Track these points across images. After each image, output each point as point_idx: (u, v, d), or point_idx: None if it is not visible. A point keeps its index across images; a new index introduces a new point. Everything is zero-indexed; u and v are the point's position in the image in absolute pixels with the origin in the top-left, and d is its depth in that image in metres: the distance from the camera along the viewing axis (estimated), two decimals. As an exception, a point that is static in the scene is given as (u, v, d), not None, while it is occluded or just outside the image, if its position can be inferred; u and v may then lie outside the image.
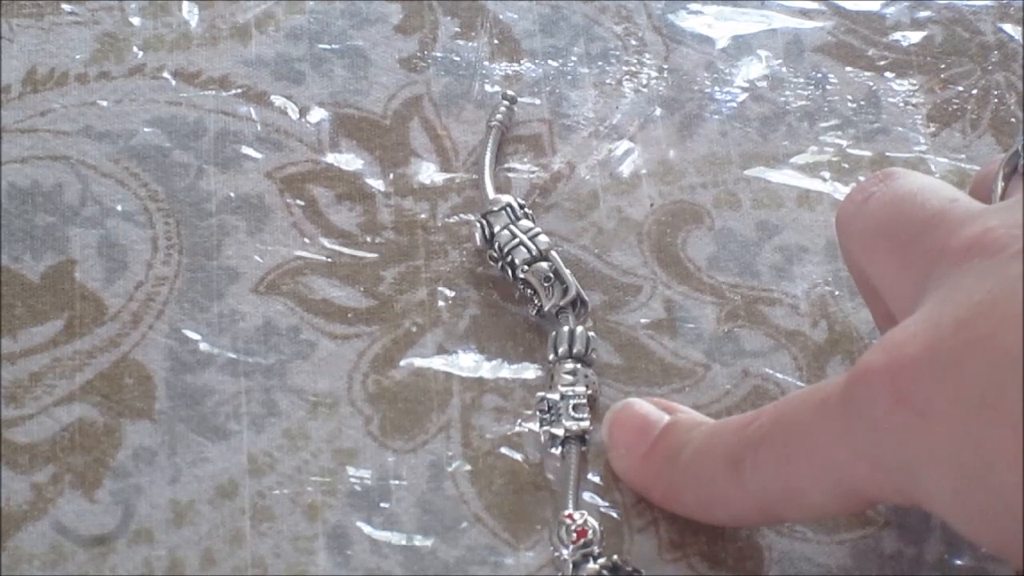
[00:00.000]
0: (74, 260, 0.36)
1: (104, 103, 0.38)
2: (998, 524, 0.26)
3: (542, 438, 0.33)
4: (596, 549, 0.31)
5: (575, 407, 0.33)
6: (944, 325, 0.26)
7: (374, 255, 0.36)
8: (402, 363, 0.35)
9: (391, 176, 0.38)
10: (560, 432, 0.33)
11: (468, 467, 0.33)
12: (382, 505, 0.33)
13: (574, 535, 0.31)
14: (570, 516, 0.31)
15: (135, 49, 0.39)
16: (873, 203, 0.31)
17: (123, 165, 0.37)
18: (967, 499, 0.26)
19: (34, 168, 0.37)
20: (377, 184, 0.38)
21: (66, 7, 0.40)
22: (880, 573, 0.32)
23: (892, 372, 0.27)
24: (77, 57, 0.39)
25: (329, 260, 0.36)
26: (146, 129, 0.38)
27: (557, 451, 0.33)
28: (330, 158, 0.38)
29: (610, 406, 0.34)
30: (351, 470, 0.33)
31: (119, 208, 0.37)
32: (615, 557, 0.31)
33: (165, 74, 0.39)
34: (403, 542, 0.32)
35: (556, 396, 0.33)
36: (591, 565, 0.31)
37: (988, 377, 0.25)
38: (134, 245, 0.36)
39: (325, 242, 0.37)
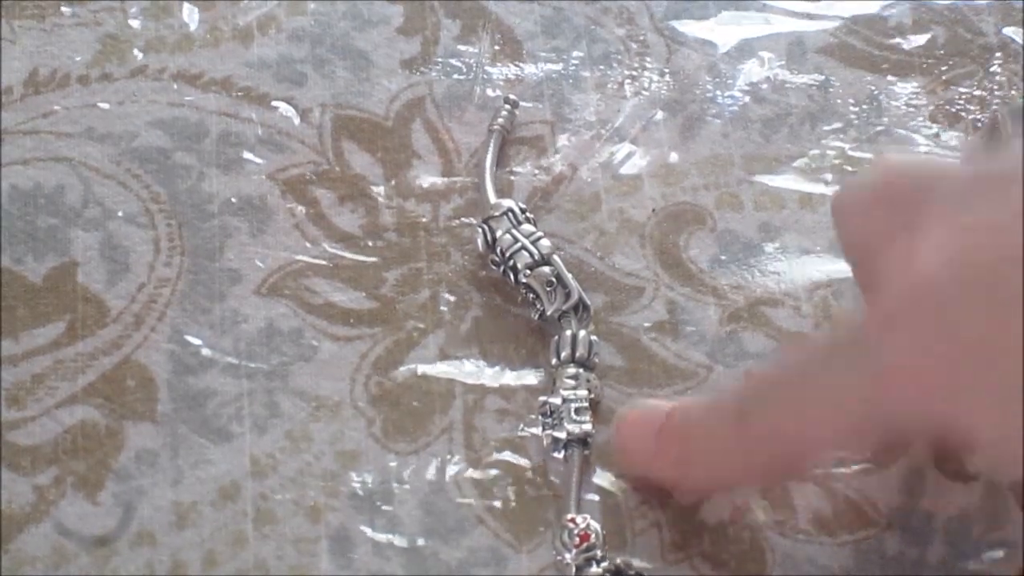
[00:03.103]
0: (76, 262, 0.36)
1: (106, 105, 0.38)
2: None
3: (544, 442, 0.33)
4: (599, 553, 0.31)
5: (577, 411, 0.33)
6: (968, 246, 0.26)
7: (376, 257, 0.36)
8: (404, 365, 0.35)
9: (393, 178, 0.38)
10: (562, 436, 0.33)
11: (470, 469, 0.33)
12: (384, 507, 0.33)
13: (577, 539, 0.31)
14: (572, 520, 0.31)
15: (136, 51, 0.39)
16: (869, 174, 0.31)
17: (125, 167, 0.37)
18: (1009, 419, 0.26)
19: (36, 170, 0.37)
20: (379, 186, 0.38)
21: (67, 9, 0.40)
22: (882, 574, 0.32)
23: (920, 297, 0.26)
24: (79, 59, 0.39)
25: (331, 262, 0.36)
26: (148, 131, 0.38)
27: (560, 455, 0.33)
28: (332, 160, 0.38)
29: (613, 408, 0.34)
30: (353, 472, 0.33)
31: (121, 210, 0.37)
32: (619, 560, 0.31)
33: (166, 76, 0.39)
34: (405, 544, 0.32)
35: (558, 400, 0.33)
36: (594, 569, 0.31)
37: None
38: (136, 247, 0.36)
39: (327, 244, 0.37)
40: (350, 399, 0.34)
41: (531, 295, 0.35)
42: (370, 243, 0.37)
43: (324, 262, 0.36)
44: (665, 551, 0.32)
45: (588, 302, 0.35)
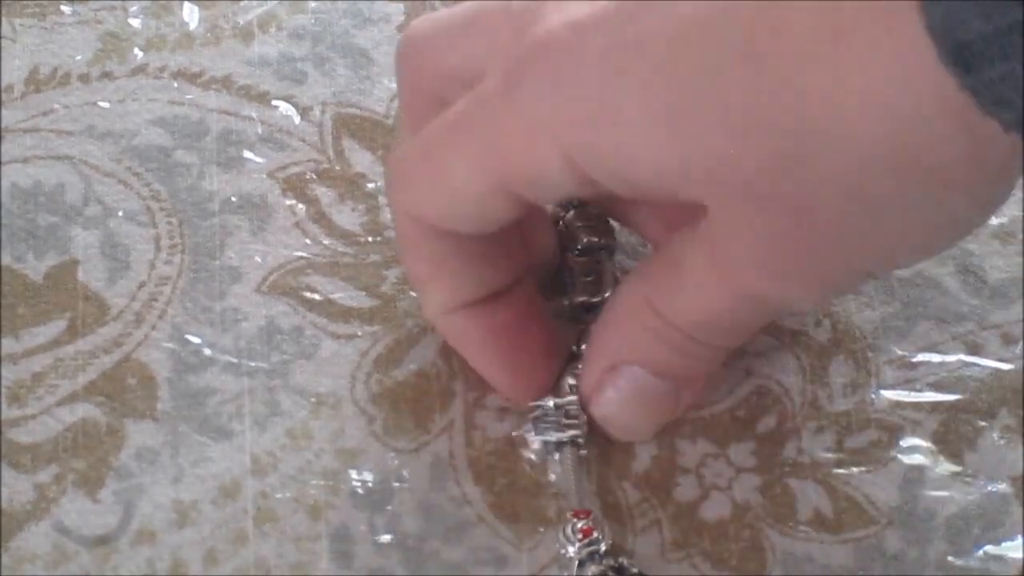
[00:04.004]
0: (77, 260, 0.36)
1: (106, 103, 0.38)
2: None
3: (535, 445, 0.33)
4: (602, 547, 0.31)
5: (568, 414, 0.33)
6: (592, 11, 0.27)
7: (377, 255, 0.36)
8: (405, 363, 0.35)
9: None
10: (553, 439, 0.33)
11: (471, 467, 0.33)
12: (385, 505, 0.33)
13: (580, 534, 0.31)
14: (576, 514, 0.31)
15: (137, 49, 0.39)
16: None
17: (125, 165, 0.37)
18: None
19: (36, 168, 0.37)
20: (379, 184, 0.38)
21: (67, 8, 0.40)
22: (883, 573, 0.32)
23: (589, 25, 0.27)
24: (79, 57, 0.39)
25: (332, 260, 0.36)
26: (148, 129, 0.38)
27: (556, 456, 0.33)
28: (332, 158, 0.38)
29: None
30: (354, 470, 0.33)
31: (121, 208, 0.37)
32: (622, 559, 0.31)
33: (167, 74, 0.39)
34: (405, 542, 0.32)
35: (550, 404, 0.33)
36: (595, 567, 0.31)
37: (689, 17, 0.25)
38: (136, 245, 0.36)
39: (327, 242, 0.37)
40: (351, 397, 0.34)
41: (567, 277, 0.35)
42: (370, 241, 0.37)
43: (324, 260, 0.36)
44: (666, 550, 0.32)
45: None
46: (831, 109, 0.24)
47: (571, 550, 0.31)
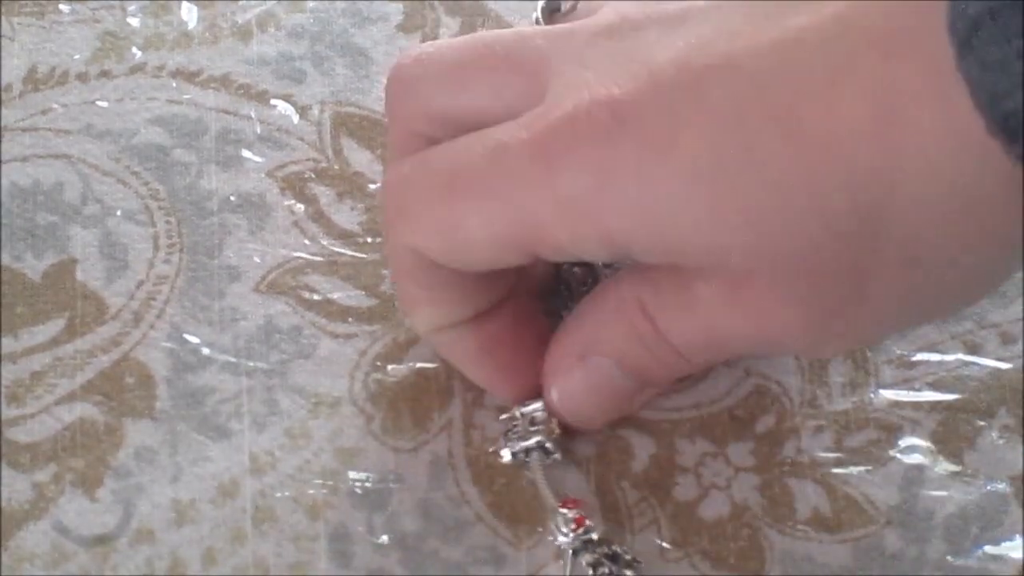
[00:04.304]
0: (75, 259, 0.36)
1: (105, 102, 0.38)
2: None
3: (504, 457, 0.33)
4: (595, 536, 0.31)
5: (533, 420, 0.33)
6: (657, 66, 0.26)
7: (375, 255, 0.36)
8: (403, 362, 0.35)
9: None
10: (519, 447, 0.33)
11: (470, 467, 0.33)
12: (384, 505, 0.33)
13: (572, 523, 0.31)
14: (565, 503, 0.31)
15: (135, 48, 0.39)
16: (428, 54, 0.31)
17: (124, 164, 0.37)
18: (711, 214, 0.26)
19: (35, 167, 0.37)
20: (378, 184, 0.38)
21: (66, 7, 0.40)
22: (882, 573, 0.32)
23: (627, 108, 0.26)
24: (77, 56, 0.39)
25: (330, 260, 0.36)
26: (147, 128, 0.38)
27: (523, 461, 0.33)
28: (331, 157, 0.38)
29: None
30: (352, 470, 0.33)
31: (120, 207, 0.37)
32: (615, 547, 0.31)
33: (165, 73, 0.39)
34: (404, 542, 0.32)
35: (517, 412, 0.33)
36: (589, 555, 0.31)
37: (742, 91, 0.26)
38: (135, 244, 0.36)
39: (326, 242, 0.37)
40: (349, 396, 0.34)
41: (562, 287, 0.35)
42: (369, 240, 0.37)
43: (323, 259, 0.36)
44: (664, 549, 0.32)
45: None
46: (887, 187, 0.25)
47: (562, 540, 0.31)
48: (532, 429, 0.33)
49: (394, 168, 0.32)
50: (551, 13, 0.33)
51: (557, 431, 0.33)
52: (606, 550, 0.31)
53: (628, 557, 0.31)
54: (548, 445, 0.33)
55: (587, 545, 0.31)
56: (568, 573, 0.31)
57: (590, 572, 0.31)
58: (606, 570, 0.31)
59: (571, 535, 0.31)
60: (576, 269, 0.35)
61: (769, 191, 0.25)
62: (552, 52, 0.29)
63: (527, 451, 0.33)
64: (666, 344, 0.30)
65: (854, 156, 0.25)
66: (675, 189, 0.26)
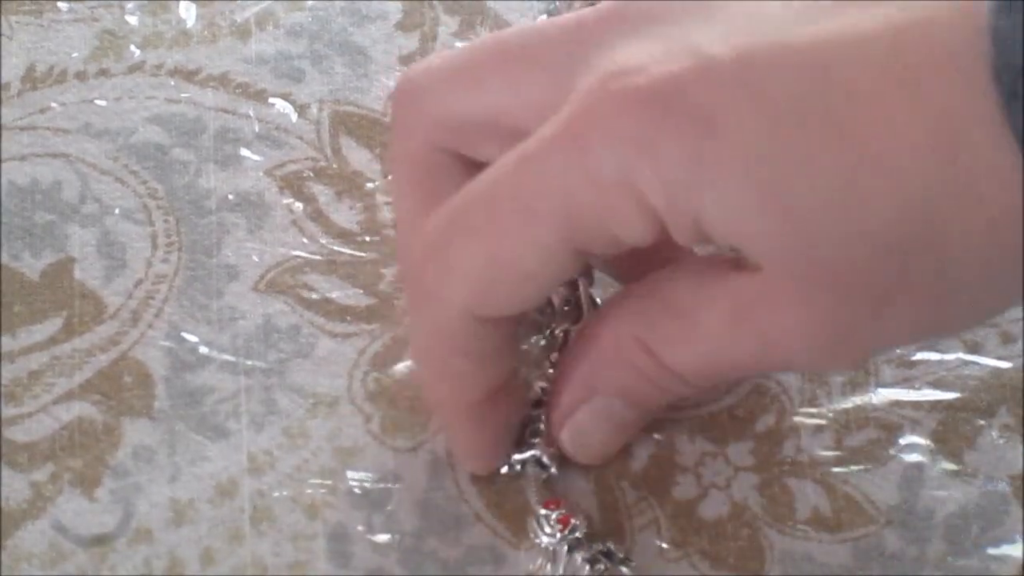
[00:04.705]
0: (73, 258, 0.36)
1: (103, 101, 0.38)
2: (779, 240, 0.26)
3: (504, 469, 0.33)
4: (580, 534, 0.31)
5: (533, 433, 0.33)
6: (701, 49, 0.26)
7: (374, 254, 0.36)
8: (402, 362, 0.35)
9: (391, 175, 0.38)
10: (512, 458, 0.33)
11: (469, 466, 0.33)
12: (383, 504, 0.33)
13: (559, 524, 0.31)
14: (547, 505, 0.31)
15: (133, 47, 0.39)
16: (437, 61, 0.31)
17: (122, 163, 0.37)
18: (753, 216, 0.25)
19: (33, 166, 0.37)
20: (377, 182, 0.37)
21: (64, 5, 0.40)
22: (882, 572, 0.32)
23: (670, 85, 0.25)
24: (76, 55, 0.39)
25: (329, 259, 0.36)
26: (145, 127, 0.38)
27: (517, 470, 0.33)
28: (330, 156, 0.38)
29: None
30: (351, 469, 0.33)
31: (118, 206, 0.37)
32: (609, 544, 0.31)
33: (164, 72, 0.39)
34: (403, 541, 0.32)
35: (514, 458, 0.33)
36: (584, 552, 0.31)
37: (800, 87, 0.25)
38: (133, 243, 0.36)
39: (325, 241, 0.36)
40: (348, 396, 0.34)
41: (546, 306, 0.35)
42: (368, 239, 0.37)
43: (322, 258, 0.36)
44: (664, 549, 0.32)
45: None
46: (936, 213, 0.25)
47: (547, 540, 0.31)
48: (531, 441, 0.33)
49: (418, 234, 0.30)
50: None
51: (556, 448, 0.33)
52: (600, 547, 0.31)
53: (620, 555, 0.31)
54: (544, 459, 0.32)
55: (580, 543, 0.31)
56: (562, 573, 0.31)
57: (587, 569, 0.31)
58: (603, 566, 0.31)
59: (557, 535, 0.31)
60: (560, 288, 0.34)
61: (819, 195, 0.25)
62: (570, 41, 0.28)
63: (523, 463, 0.33)
64: (670, 375, 0.29)
65: (911, 178, 0.25)
66: (725, 173, 0.25)
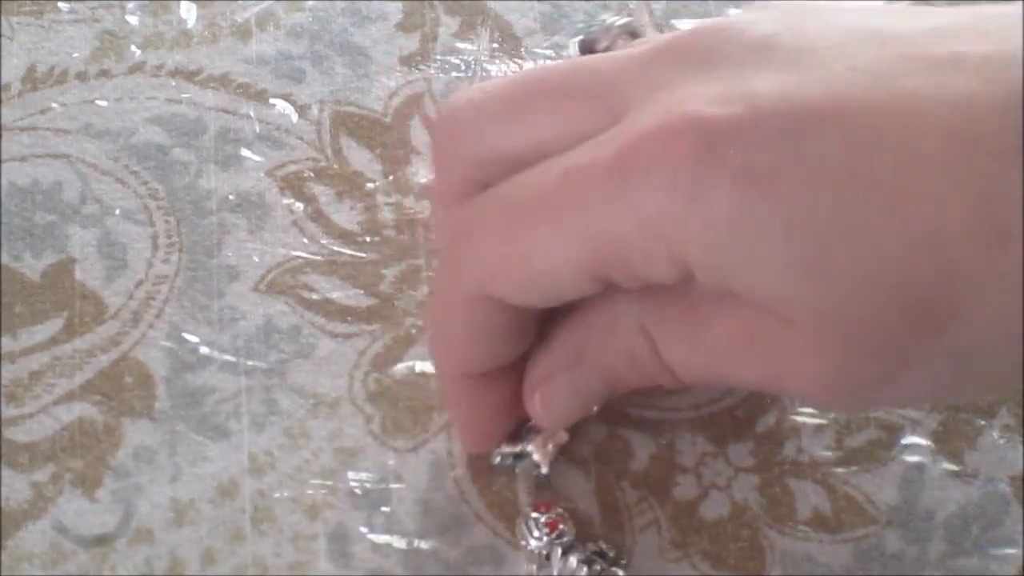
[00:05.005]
0: (74, 258, 0.36)
1: (104, 102, 0.38)
2: (824, 302, 0.25)
3: (497, 460, 0.33)
4: (569, 537, 0.31)
5: (531, 429, 0.33)
6: (756, 97, 0.25)
7: (375, 254, 0.36)
8: (403, 362, 0.35)
9: (392, 175, 0.38)
10: (504, 451, 0.33)
11: (469, 466, 0.33)
12: (383, 504, 0.33)
13: (546, 528, 0.31)
14: (536, 508, 0.32)
15: (134, 47, 0.39)
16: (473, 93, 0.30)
17: (123, 163, 0.37)
18: (797, 272, 0.25)
19: (34, 166, 0.37)
20: (378, 182, 0.37)
21: (65, 6, 0.40)
22: (882, 573, 0.32)
23: (720, 134, 0.25)
24: (76, 55, 0.39)
25: (329, 259, 0.36)
26: (146, 127, 0.38)
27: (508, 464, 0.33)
28: (330, 157, 0.38)
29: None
30: (352, 470, 0.33)
31: (119, 207, 0.37)
32: (600, 543, 0.31)
33: (164, 72, 0.39)
34: (404, 542, 0.32)
35: (506, 449, 0.33)
36: (579, 554, 0.31)
37: (851, 150, 0.25)
38: (134, 243, 0.36)
39: (325, 241, 0.36)
40: (348, 396, 0.34)
41: None
42: (368, 240, 0.37)
43: (322, 259, 0.36)
44: (664, 549, 0.32)
45: None
46: (978, 289, 0.25)
47: (534, 544, 0.31)
48: (528, 437, 0.33)
49: (452, 213, 0.31)
50: (585, 53, 0.32)
51: (551, 448, 0.32)
52: (594, 547, 0.31)
53: (612, 555, 0.31)
54: (536, 457, 0.32)
55: (574, 546, 0.31)
56: (555, 573, 0.31)
57: (584, 570, 0.31)
58: (599, 567, 0.31)
59: (544, 539, 0.31)
60: None
61: (858, 264, 0.25)
62: (619, 75, 0.28)
63: (514, 456, 0.33)
64: (662, 369, 0.29)
65: (955, 258, 0.25)
66: (765, 233, 0.25)
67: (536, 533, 0.31)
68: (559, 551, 0.31)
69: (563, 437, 0.33)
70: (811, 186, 0.25)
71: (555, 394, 0.31)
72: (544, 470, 0.33)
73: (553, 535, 0.31)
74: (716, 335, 0.28)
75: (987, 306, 0.25)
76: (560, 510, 0.32)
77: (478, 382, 0.31)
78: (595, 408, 0.33)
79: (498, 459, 0.33)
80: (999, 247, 0.24)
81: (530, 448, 0.32)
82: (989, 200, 0.24)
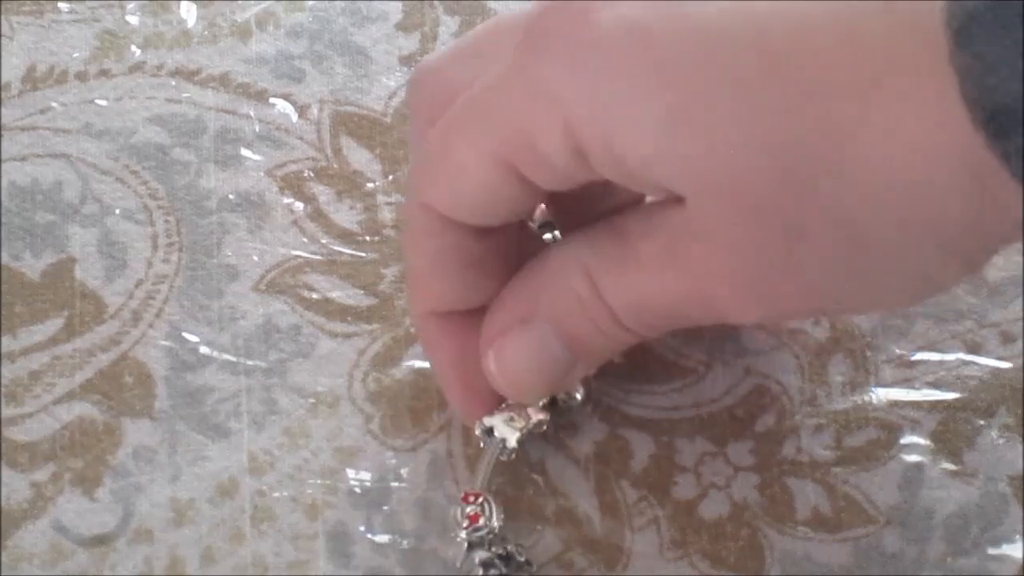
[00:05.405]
0: (74, 258, 0.36)
1: (103, 101, 0.38)
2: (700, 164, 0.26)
3: (478, 431, 0.33)
4: (484, 533, 0.31)
5: (520, 414, 0.32)
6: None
7: (374, 254, 0.36)
8: (403, 362, 0.35)
9: (392, 174, 0.38)
10: (484, 422, 0.32)
11: (469, 466, 0.33)
12: (383, 504, 0.33)
13: (466, 520, 0.31)
14: (465, 498, 0.31)
15: (134, 47, 0.39)
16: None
17: (123, 163, 0.37)
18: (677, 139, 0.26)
19: (34, 166, 0.37)
20: (378, 182, 0.37)
21: (64, 5, 0.40)
22: (882, 572, 0.32)
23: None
24: (76, 55, 0.39)
25: (329, 259, 0.36)
26: (146, 127, 0.38)
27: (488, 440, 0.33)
28: (330, 156, 0.38)
29: (611, 408, 0.34)
30: (351, 469, 0.33)
31: (119, 206, 0.37)
32: (509, 546, 0.31)
33: (164, 72, 0.39)
34: (403, 541, 0.32)
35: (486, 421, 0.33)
36: (483, 552, 0.31)
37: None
38: (134, 243, 0.36)
39: (325, 241, 0.37)
40: (348, 396, 0.34)
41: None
42: (368, 239, 0.37)
43: (322, 258, 0.36)
44: (664, 548, 0.32)
45: None
46: (853, 142, 0.25)
47: (461, 535, 0.31)
48: (512, 426, 0.32)
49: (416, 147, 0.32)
50: None
51: (518, 421, 0.32)
52: (501, 550, 0.31)
53: (522, 559, 0.31)
54: (498, 433, 0.32)
55: (482, 542, 0.31)
56: (459, 564, 0.31)
57: (480, 571, 0.31)
58: (496, 572, 0.31)
59: (464, 531, 0.31)
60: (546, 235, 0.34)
61: (735, 120, 0.25)
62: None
63: (489, 430, 0.32)
64: (604, 307, 0.29)
65: (829, 104, 0.24)
66: (643, 93, 0.26)
67: (460, 522, 0.31)
68: (465, 545, 0.31)
69: (538, 413, 0.32)
70: (683, 39, 0.26)
71: (510, 352, 0.31)
72: (511, 444, 0.32)
73: (470, 528, 0.31)
74: (643, 255, 0.28)
75: (863, 161, 0.25)
76: (485, 502, 0.31)
77: (445, 324, 0.32)
78: (578, 395, 0.33)
79: (478, 431, 0.32)
80: (876, 102, 0.24)
81: (495, 420, 0.32)
82: (869, 49, 0.24)
